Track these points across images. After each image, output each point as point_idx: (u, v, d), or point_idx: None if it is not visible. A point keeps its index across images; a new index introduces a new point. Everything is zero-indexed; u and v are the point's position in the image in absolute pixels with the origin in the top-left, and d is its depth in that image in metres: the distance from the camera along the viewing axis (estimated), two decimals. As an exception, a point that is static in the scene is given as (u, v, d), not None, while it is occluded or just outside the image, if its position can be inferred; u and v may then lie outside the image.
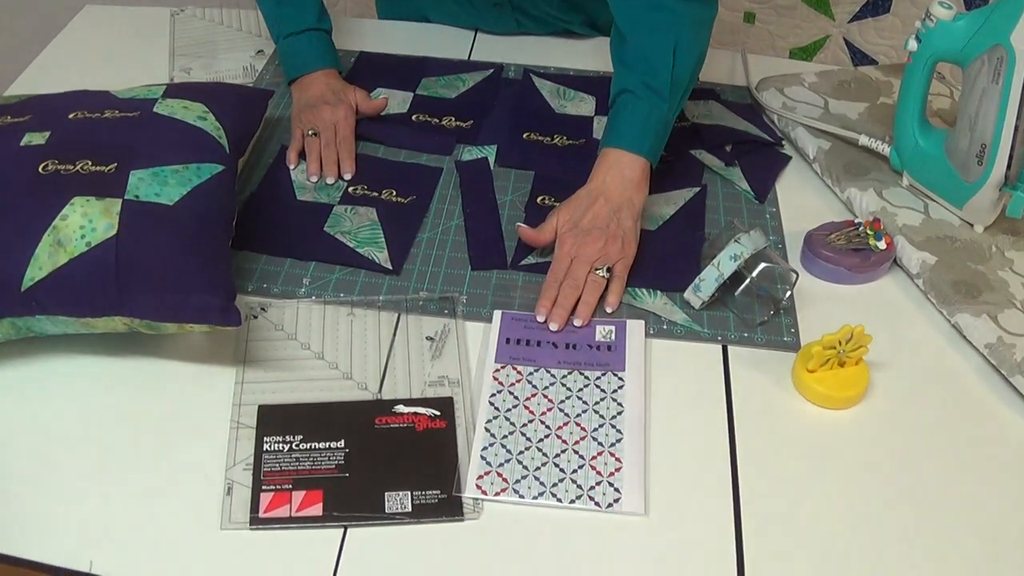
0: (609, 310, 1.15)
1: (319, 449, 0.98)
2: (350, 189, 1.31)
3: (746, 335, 1.13)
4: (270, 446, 0.99)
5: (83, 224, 1.00)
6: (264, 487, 0.95)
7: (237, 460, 0.98)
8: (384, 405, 1.03)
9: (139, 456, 0.99)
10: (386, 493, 0.95)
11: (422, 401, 1.04)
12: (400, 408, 1.03)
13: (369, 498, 0.95)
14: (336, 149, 1.35)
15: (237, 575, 0.89)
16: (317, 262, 1.21)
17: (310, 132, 1.36)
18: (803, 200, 1.33)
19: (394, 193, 1.31)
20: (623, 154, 1.22)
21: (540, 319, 1.14)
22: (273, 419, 1.01)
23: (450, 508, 0.94)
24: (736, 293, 1.14)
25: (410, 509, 0.94)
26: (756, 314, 1.15)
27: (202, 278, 1.02)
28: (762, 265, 1.12)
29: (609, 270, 1.16)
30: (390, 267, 1.19)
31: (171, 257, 1.02)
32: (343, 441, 0.99)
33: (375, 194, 1.31)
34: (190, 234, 1.05)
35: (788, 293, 1.17)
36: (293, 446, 0.99)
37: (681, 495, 0.97)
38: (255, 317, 1.13)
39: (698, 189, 1.33)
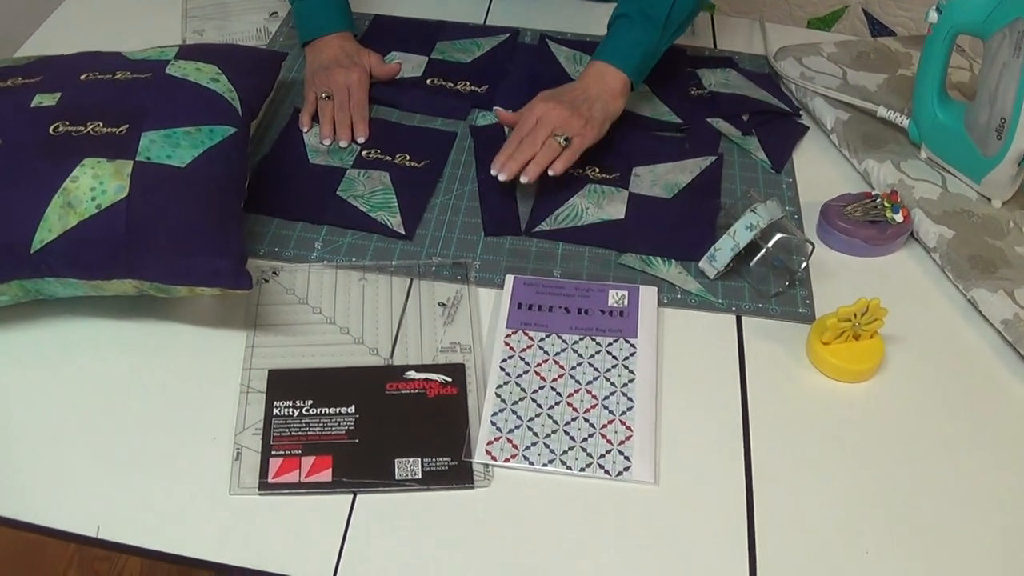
0: (551, 173, 1.21)
1: (329, 414, 0.98)
2: (363, 153, 1.31)
3: (761, 306, 1.12)
4: (280, 411, 0.98)
5: (93, 186, 0.99)
6: (273, 452, 0.95)
7: (246, 425, 0.98)
8: (395, 371, 1.03)
9: (148, 420, 0.99)
10: (396, 459, 0.95)
11: (433, 367, 1.03)
12: (411, 374, 1.02)
13: (379, 464, 0.94)
14: (349, 112, 1.34)
15: (245, 540, 0.89)
16: (329, 226, 1.20)
17: (323, 95, 1.35)
18: (820, 171, 1.32)
19: (408, 157, 1.30)
20: (608, 67, 1.29)
21: (493, 172, 1.22)
22: (283, 384, 1.01)
23: (460, 475, 0.94)
24: (751, 263, 1.14)
25: (420, 476, 0.93)
26: (771, 285, 1.14)
27: (213, 241, 1.02)
28: (778, 236, 1.11)
29: (568, 141, 1.21)
30: (403, 232, 1.19)
31: (182, 219, 1.01)
32: (353, 407, 0.99)
33: (388, 158, 1.30)
34: (202, 197, 1.04)
35: (804, 264, 1.16)
36: (303, 411, 0.98)
37: (692, 465, 0.97)
38: (266, 281, 1.13)
39: (714, 158, 1.32)
